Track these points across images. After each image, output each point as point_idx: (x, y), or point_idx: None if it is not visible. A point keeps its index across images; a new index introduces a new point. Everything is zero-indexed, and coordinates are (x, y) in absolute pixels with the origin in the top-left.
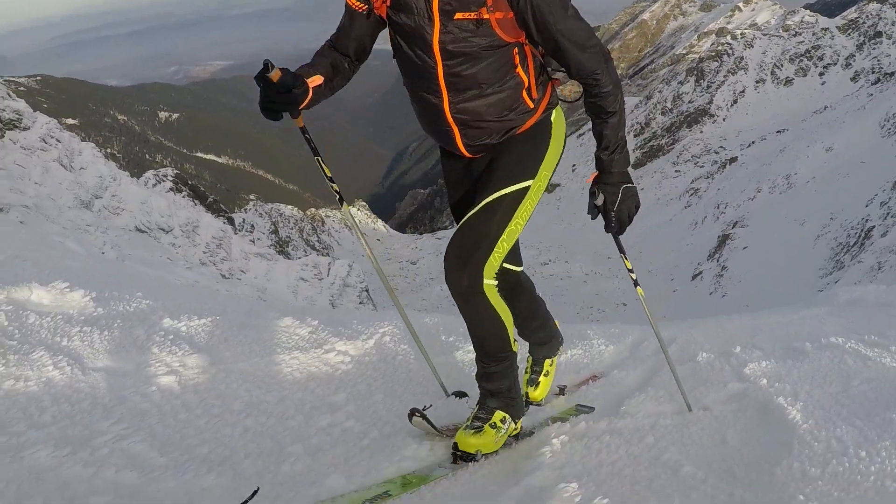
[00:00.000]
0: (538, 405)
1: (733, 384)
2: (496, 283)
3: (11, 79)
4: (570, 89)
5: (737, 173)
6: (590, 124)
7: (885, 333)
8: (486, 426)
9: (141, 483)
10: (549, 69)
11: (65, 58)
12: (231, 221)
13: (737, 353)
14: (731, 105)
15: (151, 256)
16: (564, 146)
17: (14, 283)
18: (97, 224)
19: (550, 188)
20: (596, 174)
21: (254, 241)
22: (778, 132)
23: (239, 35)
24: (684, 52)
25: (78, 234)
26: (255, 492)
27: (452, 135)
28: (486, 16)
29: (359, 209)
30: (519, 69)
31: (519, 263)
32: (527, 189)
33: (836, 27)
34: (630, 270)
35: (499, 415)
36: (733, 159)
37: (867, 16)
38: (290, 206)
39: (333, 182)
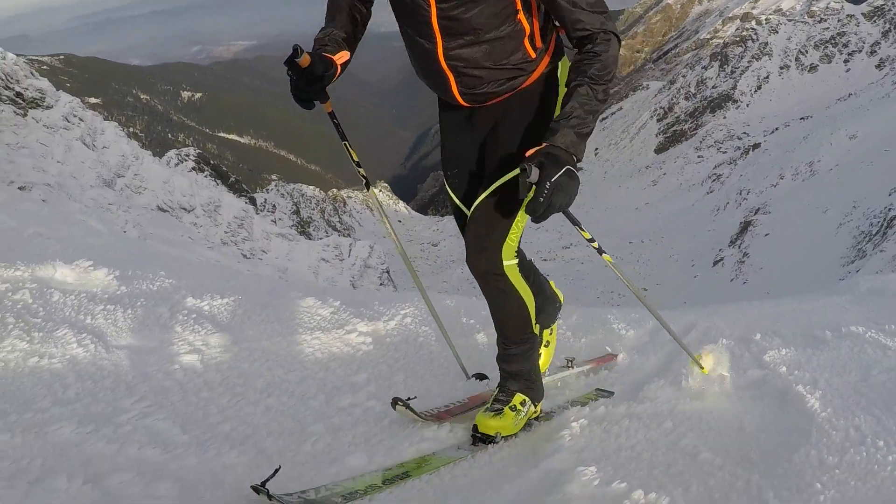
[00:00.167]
0: (544, 374)
1: (753, 371)
2: (517, 261)
3: (34, 58)
4: None
5: (760, 159)
6: (613, 107)
7: None
8: (506, 409)
9: (163, 460)
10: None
11: (88, 37)
12: (253, 201)
13: (757, 339)
14: (755, 91)
15: (173, 236)
16: None
17: (38, 262)
18: (119, 203)
19: None
20: (538, 148)
21: (275, 222)
22: (801, 119)
23: (262, 15)
24: (709, 36)
25: (100, 213)
26: (277, 470)
27: (447, 82)
28: None
29: (381, 190)
30: (521, 15)
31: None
32: None
33: (862, 14)
34: (590, 240)
35: (519, 397)
36: (756, 145)
37: (893, 3)
38: (311, 187)
39: (360, 166)
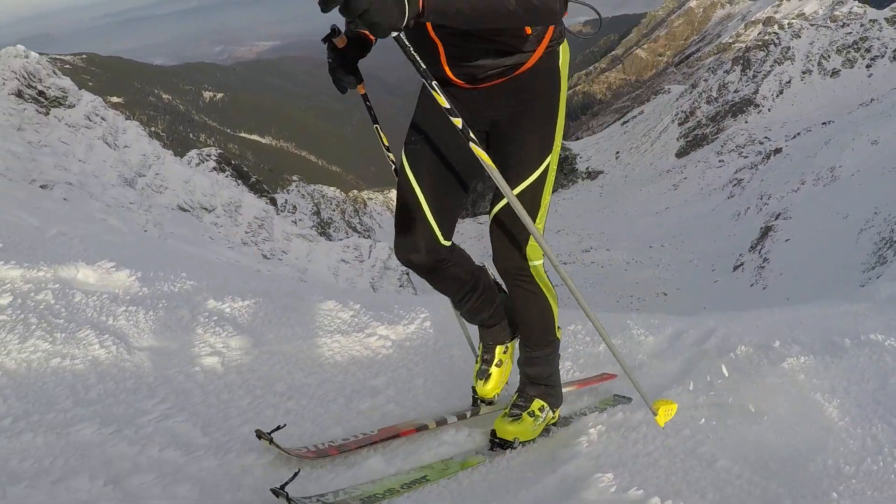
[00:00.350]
0: (489, 403)
1: (771, 378)
2: (542, 262)
3: (57, 56)
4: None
5: (781, 164)
6: (634, 111)
7: None
8: (525, 414)
9: (184, 462)
10: None
11: (111, 36)
12: (273, 202)
13: (776, 347)
14: (777, 95)
15: (194, 235)
16: None
17: (61, 262)
18: (140, 202)
19: (593, 175)
20: None
21: (295, 222)
22: (823, 124)
23: (284, 15)
24: (731, 40)
25: (121, 212)
26: (297, 474)
27: (437, 52)
28: None
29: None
30: None
31: (449, 237)
32: (546, 168)
33: (885, 19)
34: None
35: (537, 403)
36: (778, 150)
37: None
38: (332, 188)
39: (390, 151)
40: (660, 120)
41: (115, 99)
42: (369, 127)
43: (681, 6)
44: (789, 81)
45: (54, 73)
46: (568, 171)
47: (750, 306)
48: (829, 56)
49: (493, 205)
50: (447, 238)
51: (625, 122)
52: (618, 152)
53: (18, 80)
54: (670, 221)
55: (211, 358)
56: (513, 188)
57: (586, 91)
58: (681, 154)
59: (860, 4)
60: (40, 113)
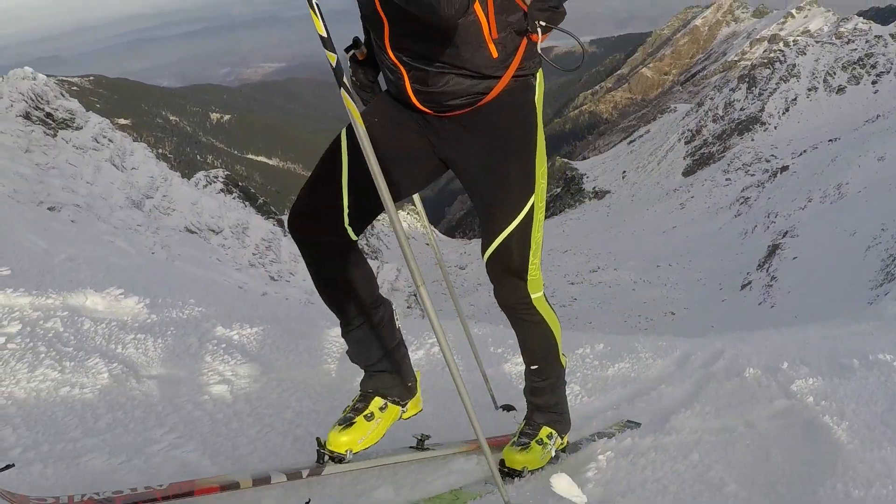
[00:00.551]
0: (339, 460)
1: (779, 401)
2: (542, 293)
3: (65, 78)
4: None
5: (787, 182)
6: (640, 130)
7: None
8: (533, 442)
9: None
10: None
11: (118, 58)
12: (281, 223)
13: (784, 368)
14: (783, 113)
15: (201, 257)
16: None
17: (69, 289)
18: (147, 224)
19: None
20: None
21: None
22: (830, 141)
23: (291, 37)
24: (736, 58)
25: (129, 234)
26: (307, 503)
27: (402, 77)
28: None
29: (408, 213)
30: (476, 5)
31: (357, 231)
32: (532, 207)
33: (890, 35)
34: None
35: (545, 430)
36: (784, 168)
37: None
38: None
39: None
40: (666, 139)
41: (122, 121)
42: None
43: (686, 24)
44: (795, 99)
45: (62, 94)
46: (575, 191)
47: (758, 325)
48: (834, 73)
49: (485, 248)
50: (355, 231)
51: (631, 142)
52: (624, 172)
53: (26, 101)
54: (678, 240)
55: (220, 386)
56: (498, 234)
57: (592, 110)
58: (687, 173)
59: (865, 21)
60: (48, 135)
